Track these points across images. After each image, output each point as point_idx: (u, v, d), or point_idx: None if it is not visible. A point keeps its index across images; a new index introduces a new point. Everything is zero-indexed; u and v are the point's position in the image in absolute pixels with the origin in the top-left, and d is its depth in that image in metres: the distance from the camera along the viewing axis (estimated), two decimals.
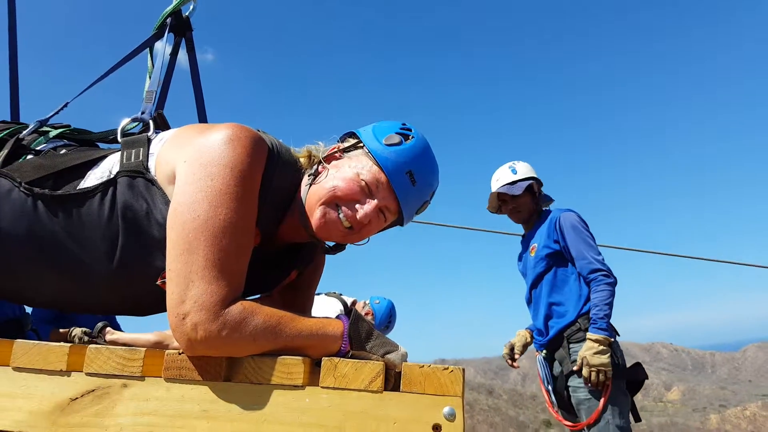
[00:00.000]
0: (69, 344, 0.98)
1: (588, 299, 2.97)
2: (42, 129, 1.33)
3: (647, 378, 2.97)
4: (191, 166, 1.03)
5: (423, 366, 0.91)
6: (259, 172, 1.08)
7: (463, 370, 0.90)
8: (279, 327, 0.95)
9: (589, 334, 2.82)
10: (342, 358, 0.94)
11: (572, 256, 3.02)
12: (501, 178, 3.32)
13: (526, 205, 3.28)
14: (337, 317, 1.04)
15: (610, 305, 2.83)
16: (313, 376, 0.94)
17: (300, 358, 0.94)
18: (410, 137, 1.23)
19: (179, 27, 1.78)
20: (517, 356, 3.38)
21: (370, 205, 1.18)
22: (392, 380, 0.94)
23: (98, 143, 1.36)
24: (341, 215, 1.18)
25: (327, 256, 1.46)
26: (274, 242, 1.27)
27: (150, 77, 1.57)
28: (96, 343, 1.09)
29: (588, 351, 2.77)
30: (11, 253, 1.11)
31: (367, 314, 3.87)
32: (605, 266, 2.93)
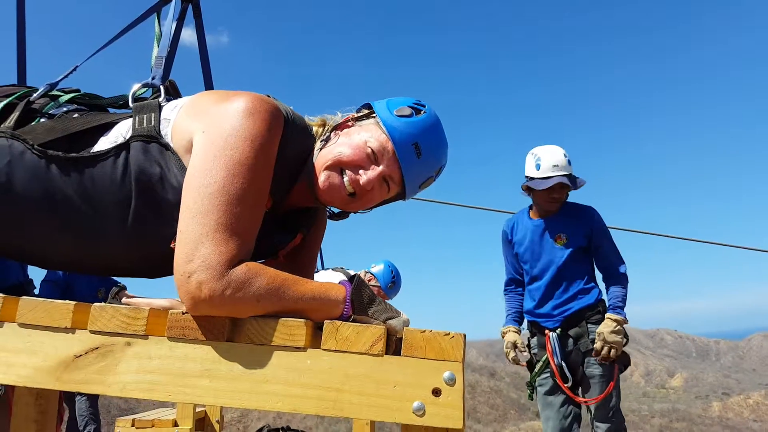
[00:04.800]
0: (74, 302, 0.99)
1: (596, 288, 3.33)
2: (52, 93, 1.33)
3: (630, 363, 3.35)
4: (210, 135, 1.05)
5: (424, 331, 0.91)
6: (276, 144, 1.10)
7: (464, 335, 0.90)
8: (282, 289, 0.96)
9: (609, 315, 3.16)
10: (344, 322, 0.94)
11: (603, 252, 3.33)
12: (560, 164, 3.31)
13: (565, 196, 3.39)
14: (340, 283, 1.04)
15: (625, 302, 3.23)
16: (314, 339, 0.95)
17: (302, 320, 0.94)
18: (422, 112, 1.26)
19: None
20: (523, 352, 3.45)
21: (375, 171, 1.21)
22: (393, 346, 0.94)
23: (109, 108, 1.37)
24: (345, 180, 1.20)
25: (329, 232, 1.48)
26: (283, 206, 1.29)
27: (158, 43, 1.57)
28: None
29: (606, 329, 3.09)
30: (25, 214, 1.13)
31: (369, 280, 3.89)
32: (626, 269, 3.32)
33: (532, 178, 3.33)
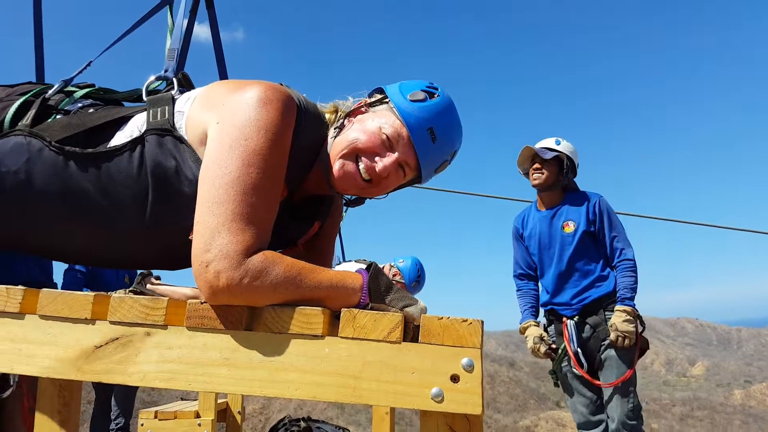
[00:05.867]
0: (93, 293, 1.00)
1: (613, 274, 3.36)
2: (67, 89, 1.34)
3: (648, 348, 3.39)
4: (224, 126, 1.05)
5: (442, 318, 0.90)
6: (290, 132, 1.10)
7: (482, 321, 0.90)
8: (299, 277, 0.96)
9: (619, 307, 3.22)
10: (361, 310, 0.94)
11: (609, 238, 3.38)
12: (544, 142, 3.55)
13: (550, 174, 3.45)
14: (357, 271, 1.04)
15: (636, 290, 3.26)
16: (332, 327, 0.94)
17: (320, 308, 0.94)
18: (435, 95, 1.25)
19: None
20: (550, 343, 3.46)
21: (390, 158, 1.20)
22: (411, 333, 0.94)
23: (124, 102, 1.38)
24: (361, 167, 1.20)
25: (347, 220, 1.48)
26: (298, 194, 1.29)
27: (171, 36, 1.58)
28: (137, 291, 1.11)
29: (617, 319, 3.18)
30: (45, 210, 1.14)
31: (395, 275, 3.88)
32: (633, 254, 3.34)
33: None
